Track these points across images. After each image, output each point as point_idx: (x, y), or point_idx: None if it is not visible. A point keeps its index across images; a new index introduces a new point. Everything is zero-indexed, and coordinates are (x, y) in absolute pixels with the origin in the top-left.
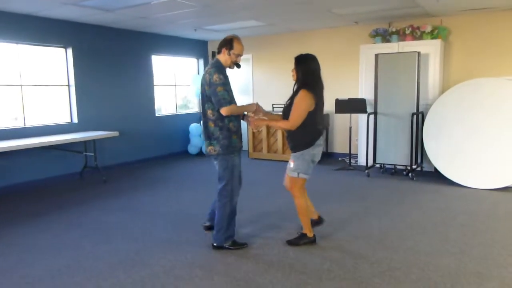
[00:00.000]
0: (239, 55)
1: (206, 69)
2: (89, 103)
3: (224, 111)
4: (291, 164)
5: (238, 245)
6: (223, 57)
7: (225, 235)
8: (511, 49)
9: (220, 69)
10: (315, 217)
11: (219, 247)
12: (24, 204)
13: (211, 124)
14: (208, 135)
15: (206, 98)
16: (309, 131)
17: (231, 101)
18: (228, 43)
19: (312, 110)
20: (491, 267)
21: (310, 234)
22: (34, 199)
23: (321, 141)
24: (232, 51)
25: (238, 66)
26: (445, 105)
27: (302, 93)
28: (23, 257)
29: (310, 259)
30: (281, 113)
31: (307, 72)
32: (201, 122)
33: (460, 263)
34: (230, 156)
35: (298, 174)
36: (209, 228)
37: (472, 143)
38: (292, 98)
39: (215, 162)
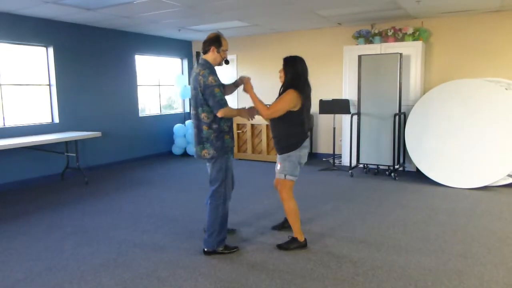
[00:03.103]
0: (227, 50)
1: (197, 70)
2: (71, 103)
3: (221, 113)
4: (278, 166)
5: (230, 249)
6: (211, 56)
7: (217, 239)
8: (490, 51)
9: (213, 70)
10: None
11: (210, 252)
12: (4, 205)
13: (205, 128)
14: (200, 139)
15: (199, 101)
16: (296, 133)
17: (226, 102)
18: (216, 41)
19: (298, 111)
20: (470, 265)
21: (301, 238)
22: (14, 201)
23: (307, 142)
24: (221, 49)
25: (227, 62)
26: (426, 106)
27: (290, 91)
28: (2, 259)
29: (294, 259)
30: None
31: (296, 74)
32: (193, 126)
33: (441, 261)
34: (224, 157)
35: (285, 176)
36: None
37: (452, 143)
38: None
39: (208, 165)
